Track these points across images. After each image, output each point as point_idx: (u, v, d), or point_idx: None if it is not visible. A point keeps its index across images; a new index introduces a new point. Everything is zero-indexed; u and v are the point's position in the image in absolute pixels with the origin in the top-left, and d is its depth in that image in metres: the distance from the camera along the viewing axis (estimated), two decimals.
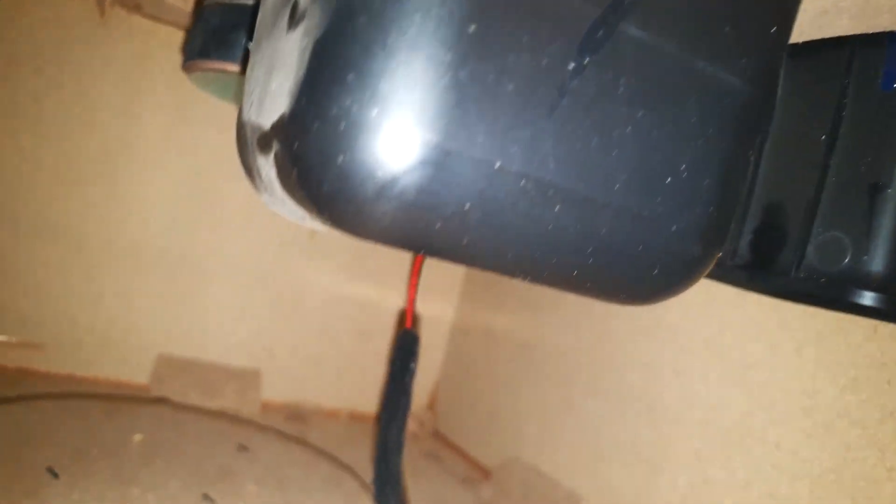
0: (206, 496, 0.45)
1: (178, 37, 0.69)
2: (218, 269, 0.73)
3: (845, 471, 0.54)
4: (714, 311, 0.63)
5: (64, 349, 0.68)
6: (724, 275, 0.43)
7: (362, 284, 0.81)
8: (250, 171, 0.26)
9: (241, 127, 0.26)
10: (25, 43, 0.64)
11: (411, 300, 0.67)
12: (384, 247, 0.24)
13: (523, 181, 0.22)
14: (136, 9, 0.63)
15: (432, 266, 0.79)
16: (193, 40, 0.46)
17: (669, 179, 0.24)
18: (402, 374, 0.59)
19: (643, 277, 0.26)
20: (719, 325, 0.62)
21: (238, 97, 0.49)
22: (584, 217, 0.23)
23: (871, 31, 0.35)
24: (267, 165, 0.23)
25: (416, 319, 0.88)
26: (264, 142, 0.23)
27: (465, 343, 0.96)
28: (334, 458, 0.63)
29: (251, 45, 0.27)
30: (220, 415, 0.67)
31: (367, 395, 0.83)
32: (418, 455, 0.83)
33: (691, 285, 0.30)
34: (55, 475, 0.41)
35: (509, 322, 0.89)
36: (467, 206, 0.21)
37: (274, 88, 0.22)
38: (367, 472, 0.62)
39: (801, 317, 0.57)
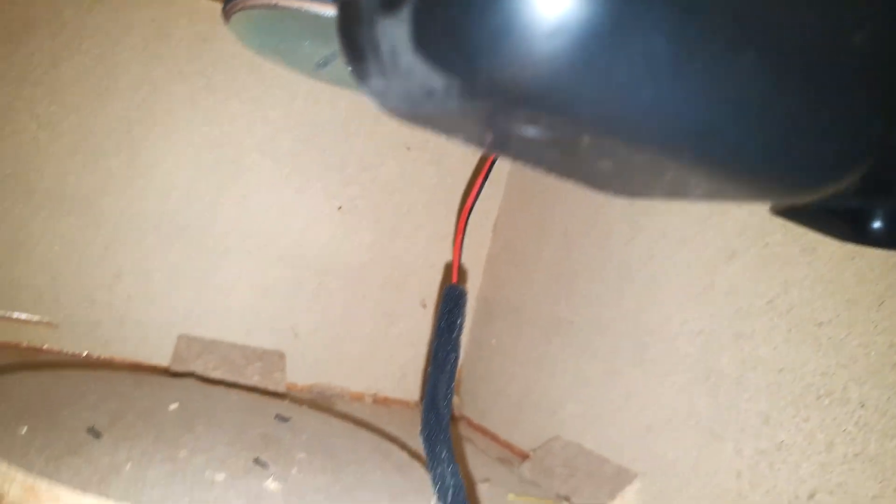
0: (257, 460, 0.42)
1: (200, 3, 0.66)
2: (240, 246, 0.70)
3: None
4: (775, 270, 0.60)
5: (80, 328, 0.65)
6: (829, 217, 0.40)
7: (387, 264, 0.78)
8: (361, 49, 0.23)
9: (348, 3, 0.24)
10: (42, 4, 0.61)
11: (457, 253, 0.65)
12: (528, 124, 0.21)
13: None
14: None
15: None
16: None
17: None
18: (449, 329, 0.57)
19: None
20: (783, 284, 0.60)
21: (289, 44, 0.46)
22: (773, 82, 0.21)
23: None
24: (392, 28, 0.21)
25: (462, 274, 0.86)
26: (391, 0, 0.21)
27: (489, 323, 0.91)
28: (377, 429, 0.60)
29: None
30: (250, 388, 0.64)
31: (391, 380, 0.80)
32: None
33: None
34: (97, 435, 0.38)
35: (540, 297, 0.85)
36: (660, 47, 0.18)
37: None
38: (412, 446, 0.59)
39: (880, 269, 0.55)
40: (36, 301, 0.63)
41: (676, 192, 0.29)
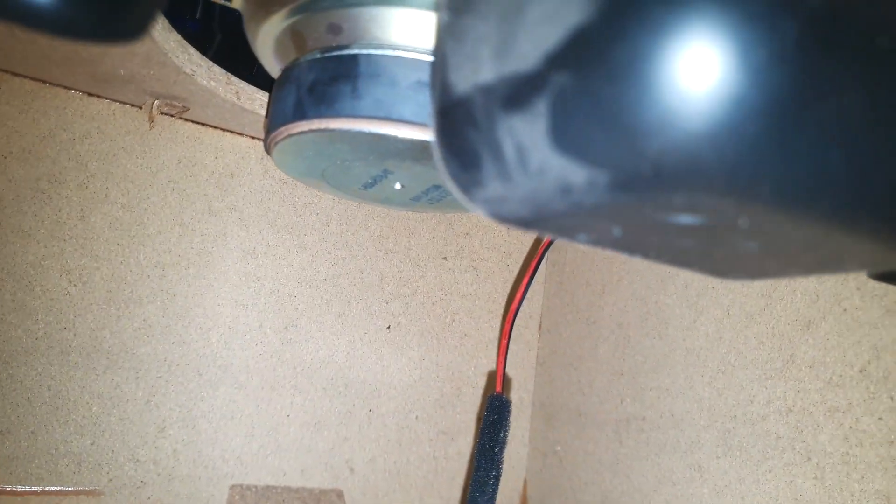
0: None
1: (224, 140, 0.66)
2: (286, 379, 0.67)
3: None
4: (860, 336, 0.57)
5: (124, 492, 0.60)
6: None
7: (439, 379, 0.74)
8: (474, 156, 0.21)
9: (454, 106, 0.21)
10: (68, 159, 0.60)
11: (501, 360, 0.62)
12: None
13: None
14: (184, 111, 0.61)
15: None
16: (281, 106, 0.42)
17: None
18: (491, 443, 0.54)
19: None
20: (872, 349, 0.56)
21: (336, 168, 0.44)
22: None
23: None
24: (521, 126, 0.19)
25: (506, 383, 0.81)
26: (519, 95, 0.19)
27: (550, 430, 0.87)
28: None
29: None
30: None
31: (454, 503, 0.75)
32: None
33: None
34: None
35: (602, 396, 0.81)
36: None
37: (535, 16, 0.18)
38: None
39: None
40: (76, 469, 0.59)
41: (825, 267, 0.26)
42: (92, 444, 0.60)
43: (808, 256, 0.25)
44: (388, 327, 0.71)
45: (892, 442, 0.54)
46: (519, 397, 0.82)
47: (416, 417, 0.73)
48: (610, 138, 0.18)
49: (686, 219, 0.21)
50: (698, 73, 0.16)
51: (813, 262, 0.25)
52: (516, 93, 0.19)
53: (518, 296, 0.67)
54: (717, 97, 0.16)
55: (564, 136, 0.19)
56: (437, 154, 0.24)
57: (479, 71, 0.21)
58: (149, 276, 0.63)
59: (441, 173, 0.24)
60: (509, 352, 0.81)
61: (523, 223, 0.24)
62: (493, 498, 0.50)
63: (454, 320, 0.75)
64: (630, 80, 0.17)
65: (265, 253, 0.67)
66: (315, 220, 0.69)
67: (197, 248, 0.64)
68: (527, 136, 0.19)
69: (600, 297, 0.82)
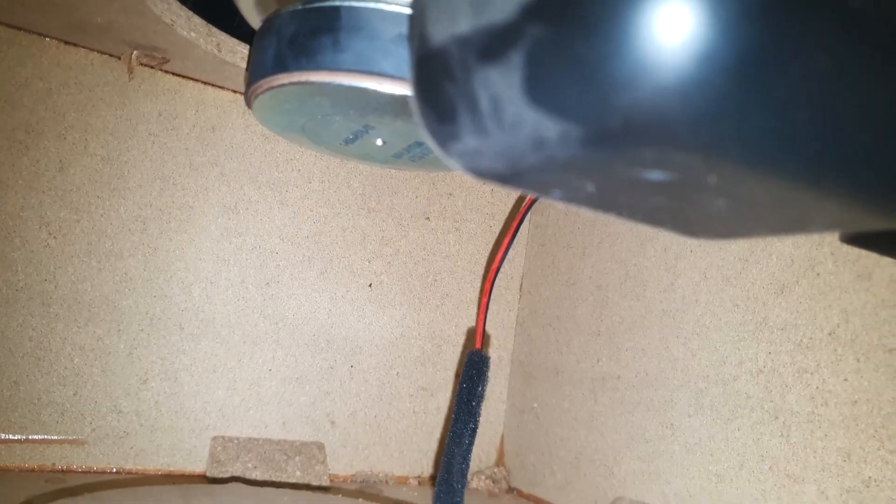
0: None
1: (205, 93, 0.65)
2: (268, 334, 0.67)
3: None
4: (831, 300, 0.58)
5: (108, 442, 0.61)
6: None
7: (420, 337, 0.75)
8: (450, 108, 0.21)
9: (431, 58, 0.22)
10: (45, 109, 0.59)
11: (481, 318, 0.63)
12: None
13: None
14: (164, 62, 0.60)
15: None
16: (262, 58, 0.41)
17: None
18: (469, 397, 0.55)
19: None
20: (842, 313, 0.57)
21: (317, 122, 0.44)
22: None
23: None
24: (496, 78, 0.19)
25: (486, 341, 0.82)
26: (494, 47, 0.19)
27: (528, 387, 0.88)
28: None
29: None
30: (293, 485, 0.60)
31: (434, 458, 0.76)
32: None
33: None
34: None
35: (580, 355, 0.82)
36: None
37: None
38: None
39: None
40: (59, 418, 0.60)
41: (792, 227, 0.26)
42: (74, 394, 0.60)
43: (775, 215, 0.25)
44: (370, 285, 0.71)
45: (856, 402, 0.56)
46: (498, 356, 0.83)
47: (397, 374, 0.74)
48: (582, 92, 0.18)
49: (656, 175, 0.21)
50: (669, 28, 0.16)
51: (781, 221, 0.26)
52: (492, 44, 0.19)
53: (499, 256, 0.68)
54: (687, 53, 0.16)
55: (538, 89, 0.19)
56: (414, 107, 0.25)
57: (455, 22, 0.21)
58: (130, 229, 0.62)
59: (419, 126, 0.24)
60: (490, 311, 0.82)
61: (498, 178, 0.24)
62: (469, 450, 0.51)
63: (436, 280, 0.76)
64: (603, 34, 0.17)
65: (247, 209, 0.66)
66: (297, 177, 0.68)
67: (178, 202, 0.64)
68: (501, 88, 0.19)
69: (581, 260, 0.82)
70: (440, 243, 0.76)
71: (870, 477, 0.55)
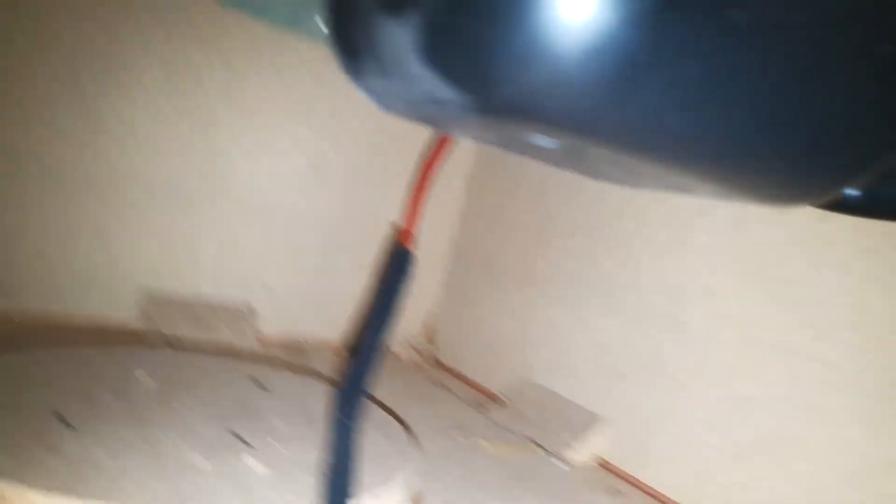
0: (233, 433, 0.41)
1: None
2: (209, 200, 0.68)
3: None
4: (746, 229, 0.61)
5: (38, 290, 0.62)
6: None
7: (362, 216, 0.77)
8: (355, 48, 0.21)
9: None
10: None
11: (413, 210, 0.64)
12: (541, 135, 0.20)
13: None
14: None
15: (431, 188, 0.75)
16: None
17: None
18: (388, 293, 0.57)
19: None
20: (753, 243, 0.60)
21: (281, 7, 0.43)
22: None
23: None
24: (396, 32, 0.19)
25: (426, 230, 0.85)
26: (397, 1, 0.19)
27: (465, 272, 0.93)
28: None
29: None
30: (224, 350, 0.63)
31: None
32: (425, 383, 0.82)
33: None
34: (70, 426, 0.37)
35: (517, 251, 0.86)
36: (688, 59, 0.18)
37: None
38: (390, 404, 0.59)
39: (848, 231, 0.56)
40: None
41: (679, 191, 0.28)
42: (8, 244, 0.61)
43: (659, 182, 0.27)
44: (315, 166, 0.71)
45: (750, 324, 0.61)
46: (440, 236, 0.86)
47: (338, 250, 0.76)
48: (477, 70, 0.19)
49: (544, 142, 0.22)
50: (556, 23, 0.17)
51: (666, 186, 0.28)
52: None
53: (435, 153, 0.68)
54: (570, 50, 0.17)
55: (432, 54, 0.19)
56: (329, 39, 0.25)
57: None
58: (63, 81, 0.60)
59: (334, 57, 0.25)
60: (437, 201, 0.84)
61: (404, 117, 0.25)
62: (381, 343, 0.53)
63: (386, 166, 0.76)
64: (496, 18, 0.17)
65: (187, 68, 0.65)
66: (244, 39, 0.66)
67: (118, 60, 0.62)
68: (400, 42, 0.20)
69: (527, 164, 0.84)
70: (393, 127, 0.76)
71: (745, 393, 0.61)
